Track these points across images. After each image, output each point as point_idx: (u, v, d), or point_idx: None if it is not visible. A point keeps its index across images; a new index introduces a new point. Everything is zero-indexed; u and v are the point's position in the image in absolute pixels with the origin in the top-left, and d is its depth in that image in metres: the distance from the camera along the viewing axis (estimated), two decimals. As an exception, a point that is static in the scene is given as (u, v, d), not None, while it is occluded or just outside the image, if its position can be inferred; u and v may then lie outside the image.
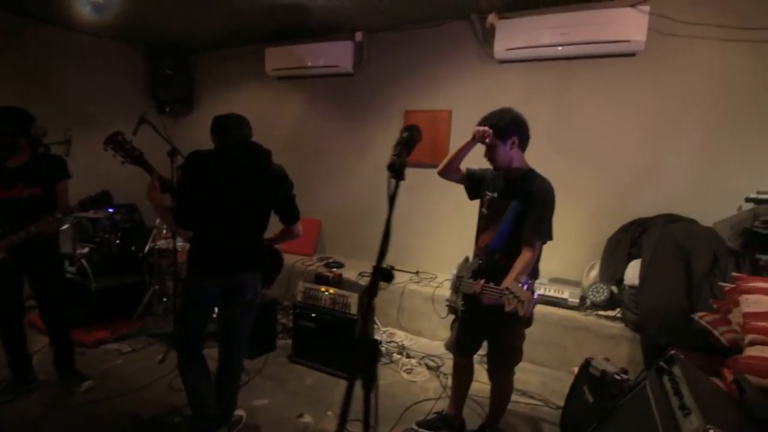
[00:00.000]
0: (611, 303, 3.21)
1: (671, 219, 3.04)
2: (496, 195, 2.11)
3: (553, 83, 3.50)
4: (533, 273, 2.07)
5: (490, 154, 2.03)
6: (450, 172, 2.22)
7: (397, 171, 1.08)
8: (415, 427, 2.41)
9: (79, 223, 3.87)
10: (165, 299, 3.78)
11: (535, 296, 1.77)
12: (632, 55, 3.17)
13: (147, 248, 3.72)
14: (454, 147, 2.20)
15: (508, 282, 1.85)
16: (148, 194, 2.13)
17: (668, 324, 2.64)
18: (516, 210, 1.99)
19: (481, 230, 2.19)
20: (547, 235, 1.99)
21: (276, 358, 3.21)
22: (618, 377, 2.16)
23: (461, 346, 2.33)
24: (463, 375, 2.40)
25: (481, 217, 2.19)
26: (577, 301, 3.26)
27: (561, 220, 3.41)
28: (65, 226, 3.77)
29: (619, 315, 3.12)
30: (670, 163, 3.22)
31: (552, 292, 3.34)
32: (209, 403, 2.12)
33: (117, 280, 3.57)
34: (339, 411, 2.63)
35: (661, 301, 2.73)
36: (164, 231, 3.65)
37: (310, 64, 4.22)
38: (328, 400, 2.70)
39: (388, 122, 4.17)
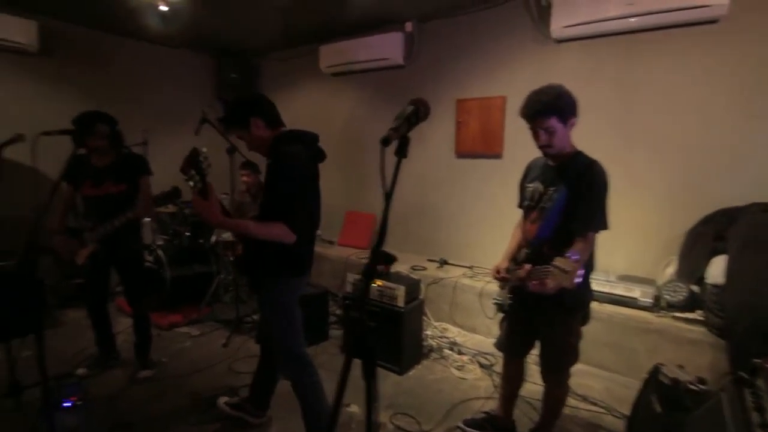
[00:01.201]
0: (691, 304, 2.85)
1: (766, 208, 2.62)
2: (539, 184, 1.95)
3: (618, 60, 3.17)
4: (589, 265, 1.89)
5: (548, 140, 1.79)
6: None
7: (399, 147, 1.01)
8: (462, 426, 2.34)
9: (158, 217, 4.26)
10: (231, 288, 4.05)
11: (580, 272, 1.56)
12: (713, 22, 2.76)
13: (213, 240, 4.00)
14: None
15: None
16: (207, 210, 1.75)
17: (760, 328, 2.29)
18: (564, 197, 1.80)
19: (526, 220, 2.04)
20: (601, 225, 1.78)
21: (327, 348, 3.29)
22: (693, 387, 1.92)
23: (511, 346, 2.21)
24: (512, 377, 2.28)
25: (525, 208, 2.04)
26: (649, 300, 2.94)
27: (628, 212, 3.14)
28: (147, 219, 4.18)
29: (700, 318, 2.77)
30: (761, 144, 2.77)
31: (620, 290, 3.05)
32: None
33: (188, 269, 3.88)
34: (386, 403, 2.62)
35: (752, 301, 2.36)
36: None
37: (361, 59, 4.25)
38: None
39: (439, 113, 4.06)
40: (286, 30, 4.55)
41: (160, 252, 3.77)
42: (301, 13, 3.98)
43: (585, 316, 2.02)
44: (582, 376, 2.82)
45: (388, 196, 0.99)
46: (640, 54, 3.09)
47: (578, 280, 1.56)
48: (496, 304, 2.15)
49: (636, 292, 2.99)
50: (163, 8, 3.52)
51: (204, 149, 1.79)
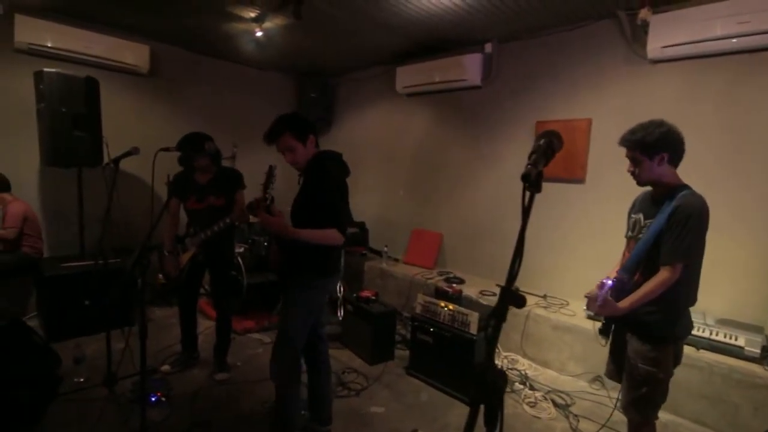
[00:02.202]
0: (812, 360, 2.48)
1: None
2: (641, 215, 1.94)
3: (723, 82, 2.89)
4: (689, 299, 1.84)
5: (634, 169, 1.88)
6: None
7: (532, 182, 1.00)
8: None
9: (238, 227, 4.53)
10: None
11: (602, 290, 1.72)
12: None
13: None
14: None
15: (628, 300, 1.77)
16: (281, 225, 2.00)
17: None
18: (657, 227, 1.78)
19: (625, 250, 2.03)
20: (684, 255, 1.72)
21: (393, 368, 3.26)
22: (822, 461, 1.66)
23: (615, 373, 2.08)
24: None
25: (628, 238, 2.03)
26: (757, 351, 2.59)
27: (731, 248, 2.83)
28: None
29: (824, 377, 2.39)
30: None
31: (721, 336, 2.73)
32: None
33: (263, 277, 4.07)
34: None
35: None
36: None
37: (438, 80, 4.27)
38: (442, 420, 2.63)
39: (516, 134, 3.96)
40: (367, 53, 4.72)
41: (239, 259, 3.99)
42: (386, 39, 4.12)
43: (677, 355, 1.88)
44: (675, 428, 2.54)
45: (523, 226, 0.96)
46: (751, 76, 2.80)
47: (599, 302, 1.72)
48: (599, 332, 2.05)
49: (741, 341, 2.66)
50: (259, 33, 3.80)
51: (276, 166, 2.03)
